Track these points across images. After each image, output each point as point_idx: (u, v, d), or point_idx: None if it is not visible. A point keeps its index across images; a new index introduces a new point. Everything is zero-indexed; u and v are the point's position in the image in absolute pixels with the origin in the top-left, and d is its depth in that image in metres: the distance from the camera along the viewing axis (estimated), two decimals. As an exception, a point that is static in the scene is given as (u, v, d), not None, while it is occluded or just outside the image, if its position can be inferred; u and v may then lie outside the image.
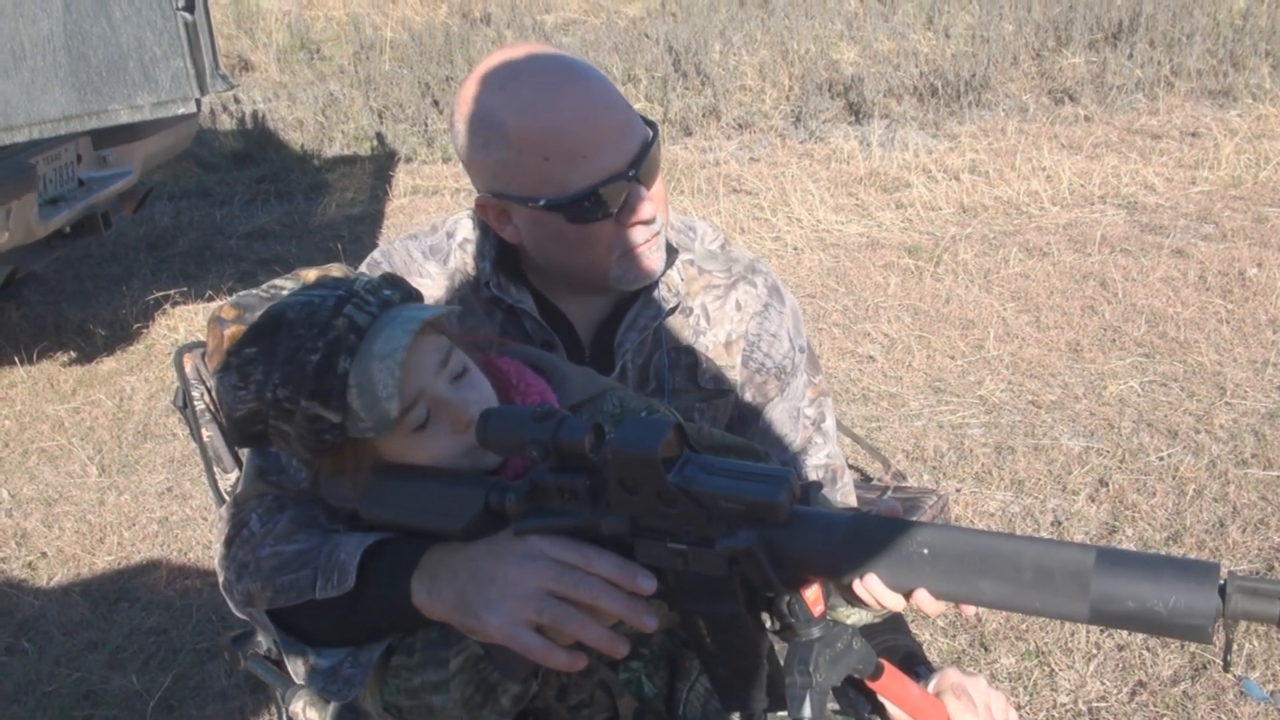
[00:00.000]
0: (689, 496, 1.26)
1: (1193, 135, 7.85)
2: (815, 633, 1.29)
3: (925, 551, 1.19)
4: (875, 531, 1.24)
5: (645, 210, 1.64)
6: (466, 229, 1.83)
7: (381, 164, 8.78)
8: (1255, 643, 3.19)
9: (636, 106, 8.12)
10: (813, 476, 1.86)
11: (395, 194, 8.15)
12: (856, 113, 8.74)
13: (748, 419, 1.87)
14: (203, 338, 1.72)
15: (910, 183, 7.35)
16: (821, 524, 1.26)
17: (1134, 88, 8.56)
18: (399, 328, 1.42)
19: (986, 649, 3.25)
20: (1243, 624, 1.07)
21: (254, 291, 1.51)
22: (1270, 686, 3.05)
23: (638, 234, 1.65)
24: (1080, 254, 6.11)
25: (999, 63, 8.88)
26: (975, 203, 7.03)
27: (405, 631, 1.46)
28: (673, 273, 1.81)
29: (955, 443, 4.38)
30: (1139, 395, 4.62)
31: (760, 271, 1.89)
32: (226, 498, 2.01)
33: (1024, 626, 3.32)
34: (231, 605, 1.59)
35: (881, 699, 1.48)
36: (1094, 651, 3.21)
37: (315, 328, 1.41)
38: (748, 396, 1.85)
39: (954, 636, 3.33)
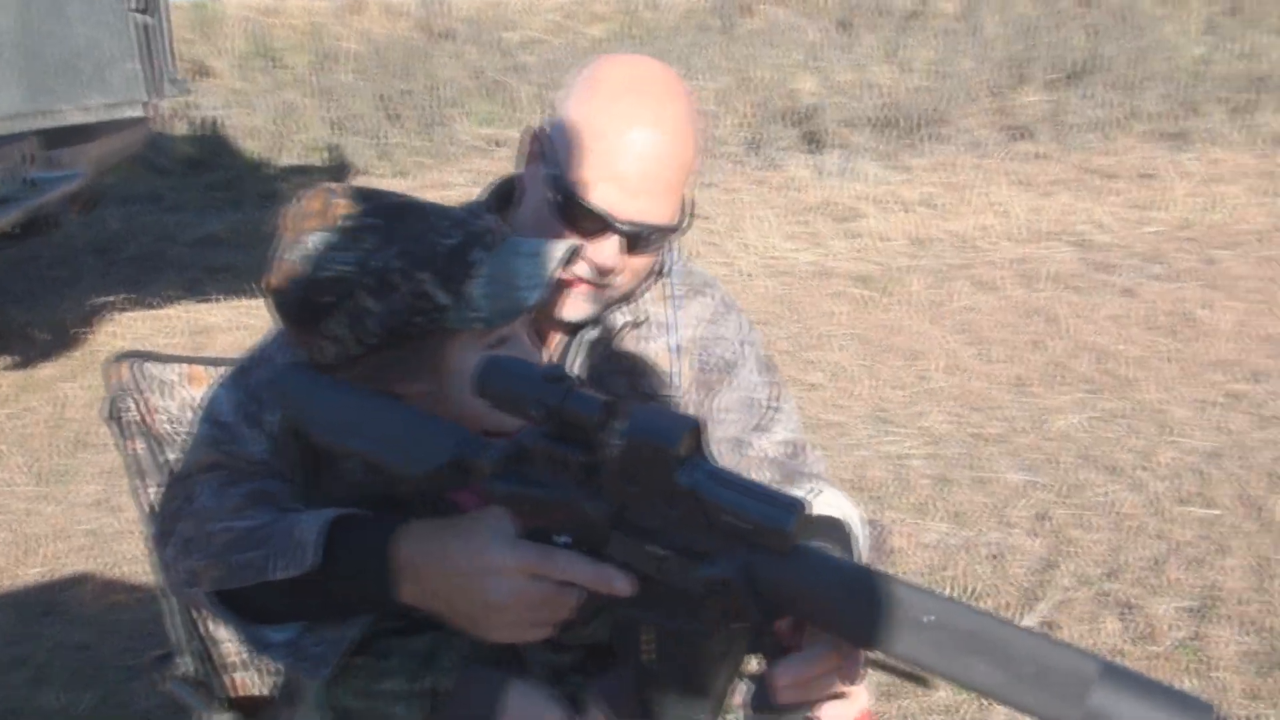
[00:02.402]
0: (694, 501, 1.18)
1: (1146, 176, 7.93)
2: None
3: (929, 619, 1.13)
4: (882, 584, 1.16)
5: (602, 258, 1.61)
6: None
7: (335, 175, 8.73)
8: (1190, 679, 3.19)
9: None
10: (774, 454, 1.82)
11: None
12: (813, 142, 8.77)
13: (699, 413, 1.83)
14: (145, 347, 1.69)
15: (863, 213, 7.38)
16: (825, 564, 1.18)
17: (1090, 127, 8.65)
18: (549, 244, 1.45)
19: (922, 681, 3.22)
20: None
21: (369, 188, 1.50)
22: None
23: (579, 266, 1.62)
24: (1029, 289, 6.14)
25: (957, 98, 8.94)
26: (927, 235, 7.06)
27: (374, 612, 1.42)
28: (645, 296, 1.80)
29: (897, 473, 4.38)
30: (1082, 431, 4.64)
31: (714, 285, 1.88)
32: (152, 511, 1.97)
33: (958, 660, 3.31)
34: (167, 583, 1.54)
35: None
36: (1026, 688, 3.20)
37: (449, 220, 1.43)
38: (696, 395, 1.82)
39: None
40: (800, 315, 5.96)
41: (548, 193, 1.61)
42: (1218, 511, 4.01)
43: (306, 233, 1.42)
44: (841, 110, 8.85)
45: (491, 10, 11.48)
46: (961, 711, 3.09)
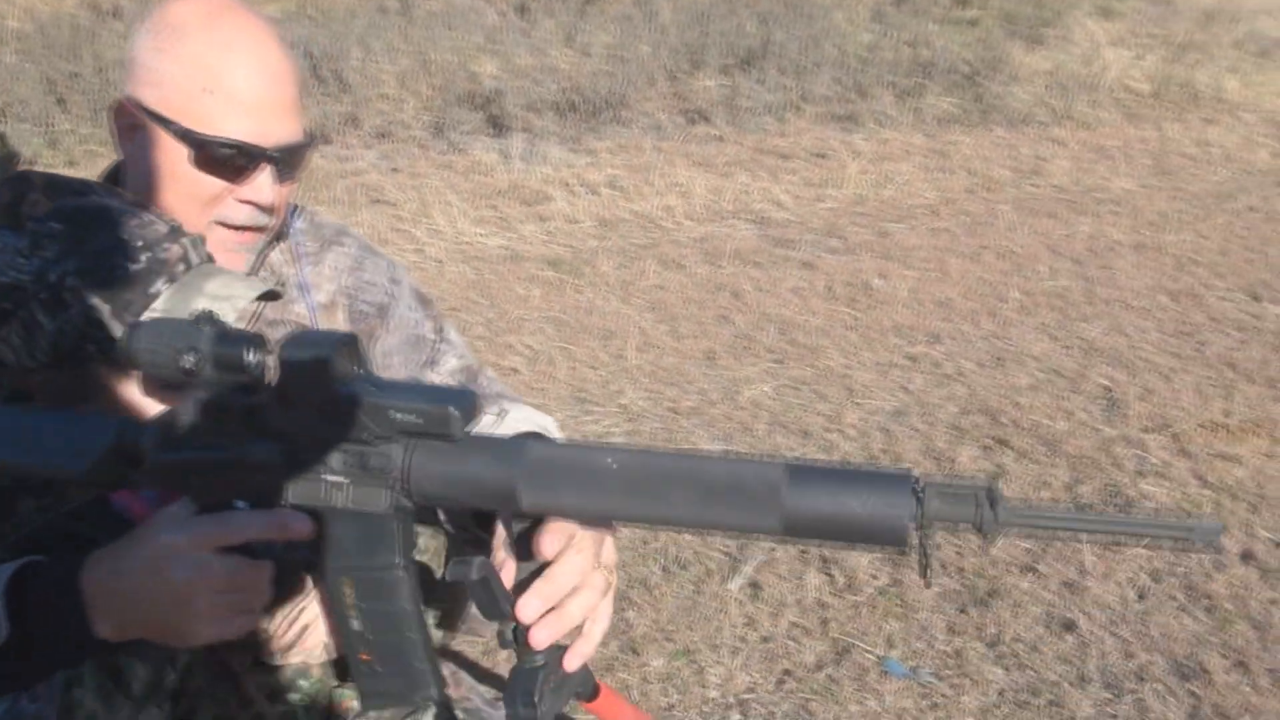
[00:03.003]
0: (360, 409, 1.13)
1: (820, 156, 8.23)
2: (539, 660, 1.20)
3: (614, 465, 1.09)
4: (559, 448, 1.15)
5: (264, 194, 1.53)
6: None
7: (1, 166, 8.11)
8: (893, 623, 3.31)
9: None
10: (450, 382, 1.76)
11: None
12: (497, 126, 8.71)
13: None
14: None
15: (551, 196, 7.38)
16: (501, 444, 1.15)
17: (764, 111, 8.91)
18: (241, 283, 1.33)
19: (636, 653, 3.23)
20: (938, 533, 1.05)
21: (67, 177, 1.38)
22: (911, 664, 3.16)
23: (239, 214, 1.55)
24: (714, 266, 6.27)
25: (636, 82, 9.05)
26: (614, 216, 7.12)
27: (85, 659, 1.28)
28: (274, 255, 1.70)
29: (599, 449, 4.37)
30: (772, 399, 4.76)
31: (348, 233, 1.82)
32: None
33: (670, 627, 3.32)
34: None
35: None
36: (740, 645, 3.24)
37: (142, 240, 1.31)
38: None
39: (606, 644, 3.29)
40: (494, 300, 5.90)
41: (177, 154, 1.49)
42: (905, 465, 4.17)
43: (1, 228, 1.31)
44: (524, 94, 8.83)
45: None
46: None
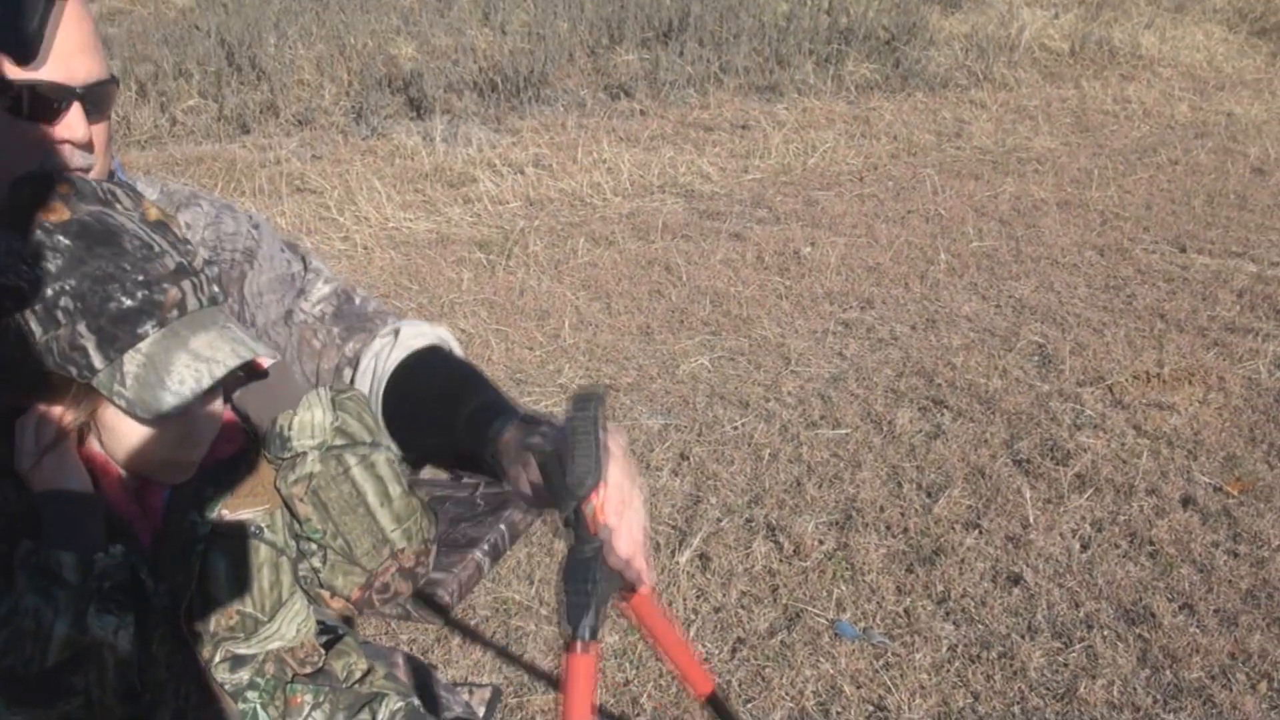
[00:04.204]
0: None
1: (743, 128, 8.24)
2: (593, 547, 1.26)
3: None
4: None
5: (78, 130, 1.54)
6: None
7: None
8: (842, 587, 3.33)
9: (189, 103, 7.64)
10: (325, 310, 1.74)
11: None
12: (418, 108, 8.64)
13: (241, 308, 1.76)
14: None
15: (476, 177, 7.32)
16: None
17: (685, 83, 8.90)
18: (229, 343, 1.35)
19: (586, 627, 3.22)
20: None
21: (91, 182, 1.36)
22: (862, 625, 3.17)
23: (62, 159, 1.55)
24: (644, 241, 6.26)
25: (556, 59, 9.01)
26: (541, 195, 7.09)
27: None
28: None
29: (540, 429, 4.35)
30: (710, 371, 4.76)
31: (204, 197, 1.82)
32: None
33: (621, 602, 3.32)
34: None
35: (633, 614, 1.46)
36: (692, 616, 3.24)
37: (144, 275, 1.31)
38: (230, 291, 1.74)
39: (559, 622, 3.29)
40: (425, 285, 5.85)
41: None
42: (845, 430, 4.20)
43: (7, 226, 1.31)
44: (443, 75, 8.76)
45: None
46: (631, 649, 3.09)
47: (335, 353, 1.70)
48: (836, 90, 9.05)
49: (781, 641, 3.13)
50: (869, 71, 9.35)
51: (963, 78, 9.48)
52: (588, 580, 1.26)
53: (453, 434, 1.55)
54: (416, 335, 1.68)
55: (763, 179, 7.26)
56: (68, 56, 1.53)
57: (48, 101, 1.52)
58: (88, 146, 1.57)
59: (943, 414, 4.28)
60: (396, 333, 1.70)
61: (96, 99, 1.57)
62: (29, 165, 1.51)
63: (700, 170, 7.38)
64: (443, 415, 1.57)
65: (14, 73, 1.50)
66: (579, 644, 1.28)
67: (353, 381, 1.69)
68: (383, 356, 1.67)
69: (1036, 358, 4.74)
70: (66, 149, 1.55)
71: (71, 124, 1.54)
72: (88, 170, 1.59)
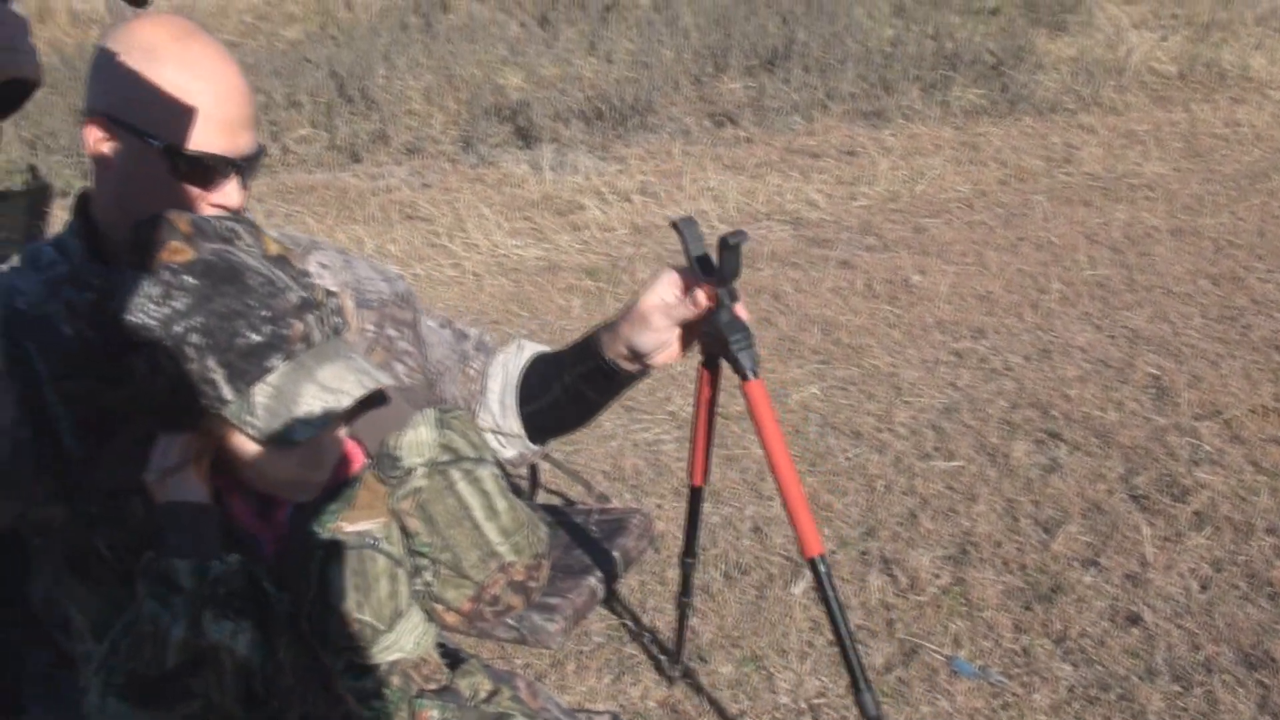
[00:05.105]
0: None
1: (849, 154, 8.23)
2: (733, 310, 1.80)
3: None
4: None
5: (234, 198, 1.66)
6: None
7: (36, 199, 8.17)
8: (959, 623, 3.31)
9: (301, 133, 7.83)
10: (489, 359, 1.96)
11: (55, 230, 7.58)
12: (525, 137, 8.75)
13: (420, 342, 1.91)
14: None
15: (584, 205, 7.40)
16: None
17: (791, 110, 8.92)
18: (354, 374, 1.42)
19: (704, 660, 3.24)
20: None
21: (212, 220, 1.45)
22: (979, 663, 3.16)
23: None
24: (752, 269, 6.27)
25: (661, 87, 9.08)
26: (648, 223, 7.14)
27: None
28: None
29: (651, 459, 4.39)
30: (820, 400, 4.76)
31: (324, 244, 1.94)
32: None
33: (736, 634, 3.34)
34: None
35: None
36: (807, 650, 3.25)
37: (269, 311, 1.38)
38: (390, 330, 1.88)
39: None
40: (535, 312, 5.92)
41: (157, 167, 1.61)
42: (960, 463, 4.18)
43: (139, 269, 1.39)
44: (550, 104, 8.86)
45: (183, 14, 11.03)
46: (748, 682, 3.10)
47: (467, 380, 1.92)
48: (943, 116, 9.00)
49: (898, 677, 3.13)
50: (976, 96, 9.30)
51: (1070, 102, 9.37)
52: (745, 329, 1.81)
53: (564, 366, 1.88)
54: (532, 348, 1.94)
55: (870, 206, 7.25)
56: (234, 131, 1.64)
57: (211, 171, 1.63)
58: (238, 211, 1.68)
59: (1058, 447, 4.24)
60: (521, 347, 1.94)
61: (251, 169, 1.69)
62: None
63: (807, 197, 7.39)
64: (555, 365, 1.90)
65: (185, 137, 1.61)
66: (755, 376, 1.92)
67: (485, 388, 1.91)
68: (511, 363, 1.92)
69: (1152, 390, 4.68)
70: (216, 213, 1.64)
71: (229, 192, 1.66)
72: None
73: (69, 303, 1.61)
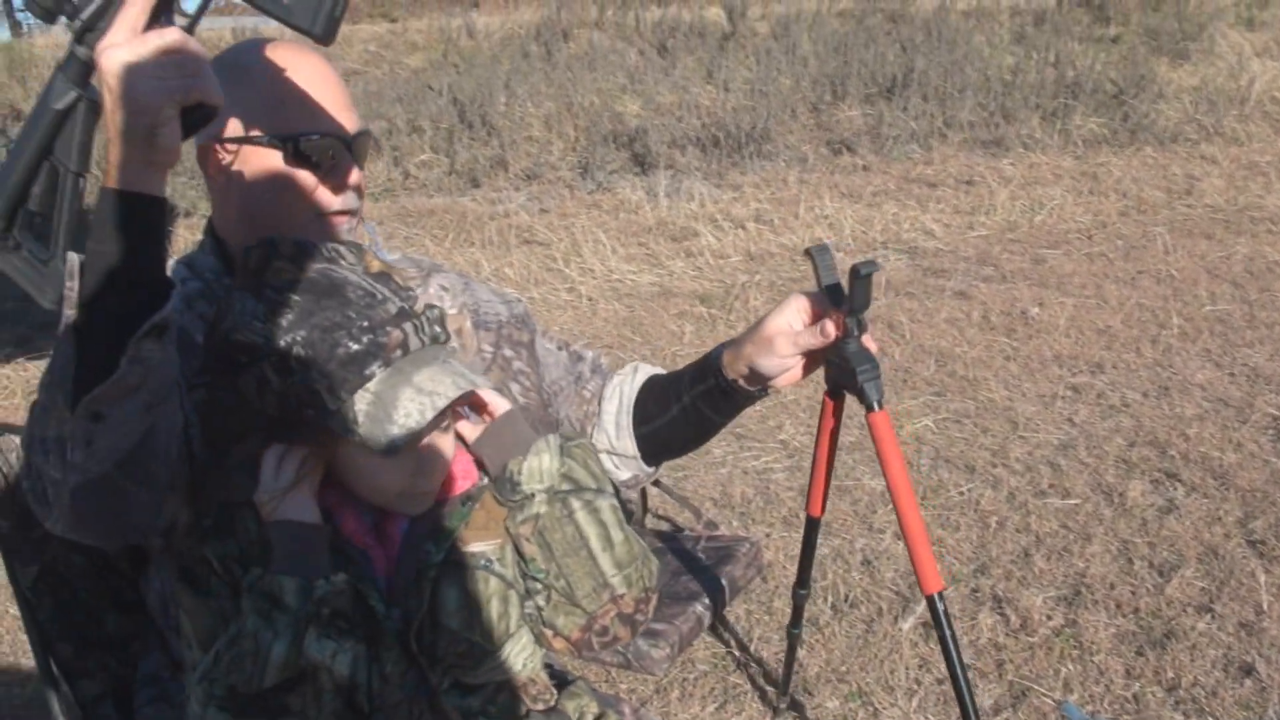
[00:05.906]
0: None
1: (967, 184, 8.18)
2: (861, 341, 1.80)
3: None
4: None
5: (352, 176, 1.73)
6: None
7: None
8: (1070, 666, 3.28)
9: (422, 158, 8.00)
10: (579, 371, 1.99)
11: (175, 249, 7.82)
12: (642, 164, 8.82)
13: (536, 363, 1.96)
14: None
15: (698, 232, 7.44)
16: None
17: (909, 138, 8.88)
18: (450, 376, 1.46)
19: (810, 693, 3.25)
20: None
21: (317, 243, 1.51)
22: (1089, 708, 3.13)
23: (334, 200, 1.74)
24: (867, 298, 6.25)
25: (778, 115, 9.10)
26: (762, 250, 7.16)
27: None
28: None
29: (761, 488, 4.41)
30: (934, 433, 4.74)
31: (445, 267, 2.00)
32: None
33: (843, 668, 3.34)
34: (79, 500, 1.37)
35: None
36: (914, 687, 3.24)
37: (368, 321, 1.43)
38: (507, 350, 1.93)
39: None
40: (647, 337, 5.97)
41: (270, 158, 1.69)
42: (1075, 501, 4.13)
43: (245, 291, 1.45)
44: (667, 131, 8.93)
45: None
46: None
47: (582, 402, 1.95)
48: (1063, 145, 8.90)
49: (1006, 719, 3.11)
50: (1096, 125, 9.18)
51: (1192, 131, 9.22)
52: (872, 361, 1.82)
53: (682, 385, 1.89)
54: (647, 370, 1.97)
55: (988, 236, 7.20)
56: (337, 111, 1.72)
57: (324, 149, 1.70)
58: (356, 189, 1.77)
59: (1175, 488, 4.18)
60: (636, 369, 1.97)
61: (361, 147, 1.77)
62: (306, 207, 1.71)
63: (924, 226, 7.36)
64: (673, 384, 1.91)
65: (292, 126, 1.70)
66: (880, 407, 1.92)
67: (600, 410, 1.94)
68: (626, 385, 1.94)
69: (1272, 431, 4.58)
70: (339, 195, 1.74)
71: (348, 174, 1.74)
72: (355, 211, 1.79)
73: (203, 316, 1.67)
